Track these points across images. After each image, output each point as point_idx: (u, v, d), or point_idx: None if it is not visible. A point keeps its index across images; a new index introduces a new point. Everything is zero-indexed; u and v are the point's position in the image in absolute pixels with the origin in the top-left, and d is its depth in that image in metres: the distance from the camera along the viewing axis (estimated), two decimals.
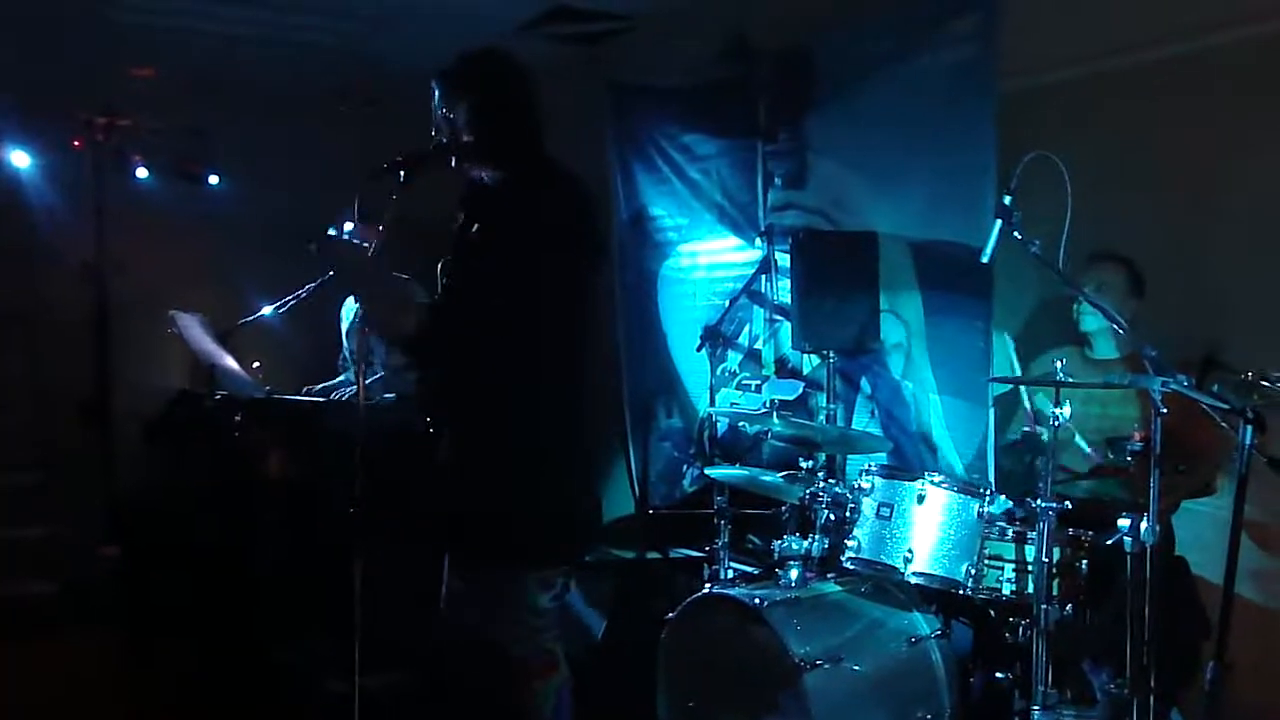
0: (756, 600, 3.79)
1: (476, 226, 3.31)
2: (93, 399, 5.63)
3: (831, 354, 4.99)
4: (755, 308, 5.78)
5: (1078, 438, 4.34)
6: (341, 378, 5.84)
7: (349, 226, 3.22)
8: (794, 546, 4.11)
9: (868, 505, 3.95)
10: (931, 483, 3.86)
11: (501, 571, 3.33)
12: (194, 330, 5.45)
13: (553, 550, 3.36)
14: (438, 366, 3.41)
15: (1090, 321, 4.38)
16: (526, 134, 3.40)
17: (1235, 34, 4.30)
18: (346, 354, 5.87)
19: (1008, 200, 3.51)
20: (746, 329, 5.87)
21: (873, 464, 4.07)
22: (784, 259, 5.43)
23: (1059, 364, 3.60)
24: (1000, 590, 3.78)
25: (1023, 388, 4.56)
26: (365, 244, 3.27)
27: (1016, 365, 4.72)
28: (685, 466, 6.30)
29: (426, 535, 3.51)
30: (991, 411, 4.64)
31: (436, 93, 3.40)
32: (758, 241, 5.72)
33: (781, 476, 4.27)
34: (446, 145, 3.37)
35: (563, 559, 3.39)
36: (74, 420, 5.79)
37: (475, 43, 3.48)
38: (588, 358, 3.39)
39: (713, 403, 5.48)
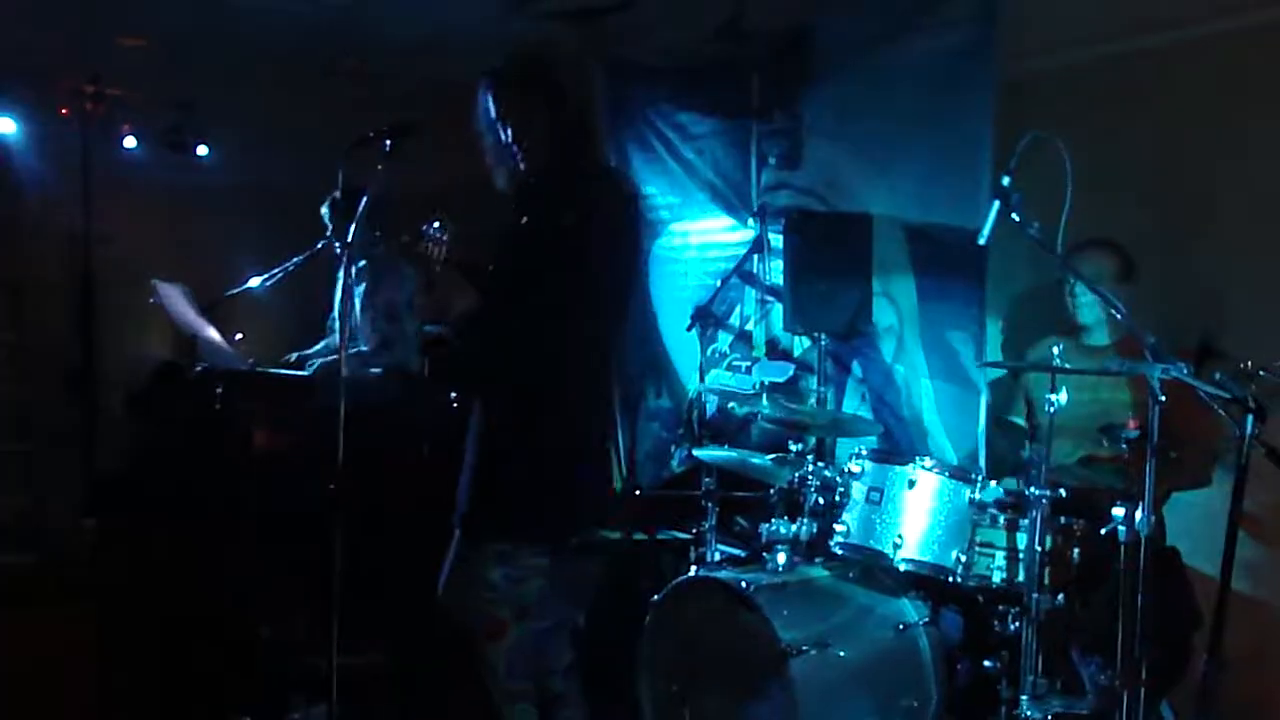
0: (744, 584, 3.74)
1: (529, 220, 3.27)
2: (77, 369, 5.58)
3: (823, 336, 4.95)
4: (747, 288, 5.73)
5: None
6: (321, 344, 5.78)
7: (436, 225, 3.23)
8: (782, 530, 4.08)
9: (858, 489, 3.92)
10: (923, 468, 3.83)
11: (464, 540, 3.37)
12: (176, 301, 5.37)
13: (516, 528, 3.33)
14: (477, 345, 3.39)
15: (1087, 314, 4.31)
16: (584, 130, 3.41)
17: (1233, 22, 4.27)
18: (335, 318, 5.81)
19: (1006, 181, 3.45)
20: (738, 309, 5.82)
21: (864, 448, 4.04)
22: (777, 240, 5.40)
23: (1056, 350, 3.56)
24: (990, 578, 3.76)
25: (1022, 376, 4.51)
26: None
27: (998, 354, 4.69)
28: (673, 447, 6.26)
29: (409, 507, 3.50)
30: (984, 396, 4.61)
31: (490, 94, 3.34)
32: (750, 221, 5.67)
33: (771, 459, 4.22)
34: (506, 147, 3.31)
35: (526, 538, 3.35)
36: (57, 390, 5.74)
37: (466, 15, 3.43)
38: (614, 352, 3.40)
39: (702, 383, 5.44)
